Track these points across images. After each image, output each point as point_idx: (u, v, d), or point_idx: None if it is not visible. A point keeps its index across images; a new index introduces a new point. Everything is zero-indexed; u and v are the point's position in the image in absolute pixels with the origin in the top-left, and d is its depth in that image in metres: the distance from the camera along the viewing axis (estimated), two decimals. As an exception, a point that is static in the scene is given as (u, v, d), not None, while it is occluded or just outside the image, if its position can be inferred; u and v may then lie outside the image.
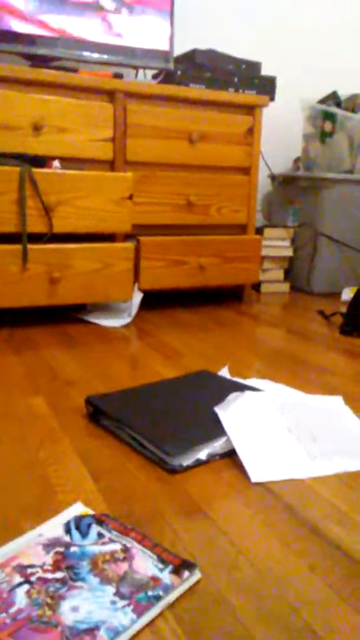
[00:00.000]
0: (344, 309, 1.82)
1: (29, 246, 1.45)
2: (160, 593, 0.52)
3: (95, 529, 0.61)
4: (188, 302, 1.92)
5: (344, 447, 0.84)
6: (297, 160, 2.33)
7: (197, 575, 0.55)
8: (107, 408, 0.91)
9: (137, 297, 1.66)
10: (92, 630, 0.47)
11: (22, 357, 1.26)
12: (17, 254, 1.44)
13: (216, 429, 0.85)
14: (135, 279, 1.68)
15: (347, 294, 1.94)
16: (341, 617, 0.51)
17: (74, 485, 0.73)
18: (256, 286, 2.14)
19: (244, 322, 1.67)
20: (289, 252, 2.13)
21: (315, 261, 2.11)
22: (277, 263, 2.14)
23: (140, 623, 0.49)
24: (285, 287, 2.18)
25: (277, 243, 2.10)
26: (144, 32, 1.72)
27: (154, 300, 1.92)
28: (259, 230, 2.06)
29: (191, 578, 0.55)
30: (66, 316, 1.66)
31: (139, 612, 0.49)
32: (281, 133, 2.40)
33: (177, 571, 0.55)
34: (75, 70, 1.62)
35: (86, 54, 1.67)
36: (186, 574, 0.54)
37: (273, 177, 2.28)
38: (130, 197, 1.57)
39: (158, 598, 0.51)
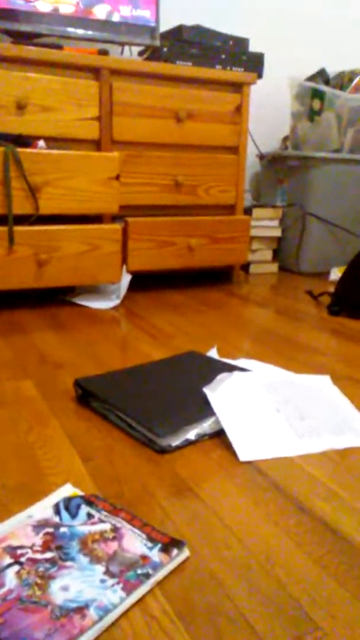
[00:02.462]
0: (332, 289, 1.82)
1: (15, 228, 1.43)
2: (150, 571, 0.52)
3: (84, 509, 0.61)
4: (177, 284, 1.91)
5: (331, 425, 0.85)
6: (285, 139, 2.31)
7: (185, 553, 0.56)
8: (96, 390, 0.91)
9: (126, 278, 1.65)
10: (81, 608, 0.47)
11: (10, 341, 1.25)
12: (3, 235, 1.42)
13: (205, 409, 0.85)
14: (124, 260, 1.67)
15: (335, 274, 1.95)
16: (327, 591, 0.52)
17: (63, 467, 0.73)
18: (245, 267, 2.14)
19: (232, 302, 1.67)
20: (277, 233, 2.12)
21: (304, 241, 2.11)
22: (265, 243, 2.13)
23: (130, 601, 0.49)
24: (274, 267, 2.17)
25: (266, 223, 2.09)
26: (129, 7, 1.68)
27: (142, 282, 1.91)
28: (248, 211, 2.05)
29: (180, 556, 0.55)
30: (54, 299, 1.65)
31: (128, 590, 0.50)
32: (269, 111, 2.38)
33: (166, 549, 0.55)
34: (59, 47, 1.59)
35: (71, 30, 1.63)
36: (175, 551, 0.55)
37: (261, 157, 2.26)
38: (117, 178, 1.55)
39: (147, 576, 0.52)
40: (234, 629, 0.48)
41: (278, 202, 2.20)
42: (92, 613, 0.47)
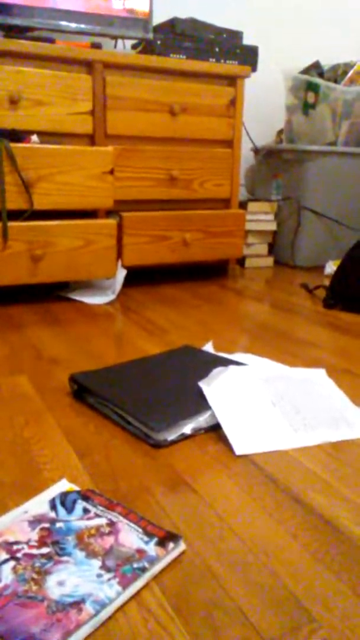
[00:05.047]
0: (327, 283, 1.83)
1: (9, 223, 1.42)
2: (146, 565, 0.52)
3: (80, 504, 0.61)
4: (172, 278, 1.91)
5: (326, 418, 0.85)
6: (280, 132, 2.31)
7: (181, 546, 0.56)
8: (91, 385, 0.91)
9: (121, 273, 1.64)
10: (78, 603, 0.47)
11: (5, 336, 1.25)
12: (-3, 231, 1.41)
13: (200, 403, 0.85)
14: (119, 255, 1.67)
15: (331, 267, 1.95)
16: (323, 583, 0.52)
17: (59, 462, 0.73)
18: (240, 261, 2.14)
19: (228, 297, 1.67)
20: (272, 226, 2.12)
21: (299, 235, 2.11)
22: (261, 237, 2.13)
23: (126, 595, 0.49)
24: (269, 261, 2.17)
25: (261, 217, 2.09)
26: (122, 0, 1.67)
27: (137, 277, 1.90)
28: (243, 204, 2.05)
29: (176, 549, 0.55)
30: (49, 294, 1.65)
31: (125, 584, 0.50)
32: (264, 105, 2.37)
33: (162, 543, 0.55)
34: (52, 41, 1.57)
35: (63, 23, 1.62)
36: (171, 545, 0.55)
37: (256, 150, 2.26)
38: (111, 172, 1.54)
39: (143, 570, 0.52)
40: (230, 621, 0.48)
41: (273, 196, 2.19)
42: (88, 607, 0.47)
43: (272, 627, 0.47)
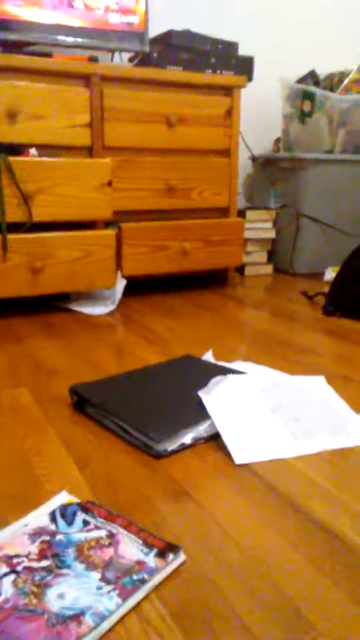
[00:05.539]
0: (326, 289, 1.83)
1: (9, 236, 1.43)
2: (145, 576, 0.53)
3: (80, 516, 0.62)
4: (172, 287, 1.92)
5: (326, 425, 0.85)
6: (277, 141, 2.32)
7: (181, 557, 0.56)
8: (91, 396, 0.91)
9: (121, 284, 1.65)
10: (77, 616, 0.48)
11: (5, 348, 1.26)
12: (-3, 244, 1.42)
13: (200, 413, 0.86)
14: (118, 265, 1.68)
15: (330, 274, 1.96)
16: (323, 592, 0.52)
17: (59, 474, 0.74)
18: (240, 269, 2.15)
19: (228, 305, 1.68)
20: (271, 234, 2.13)
21: (298, 242, 2.11)
22: (260, 245, 2.14)
23: (126, 607, 0.50)
24: (269, 269, 2.18)
25: (260, 225, 2.10)
26: (118, 13, 1.69)
27: (137, 287, 1.91)
28: (241, 213, 2.06)
29: (176, 560, 0.55)
30: (49, 305, 1.65)
31: (124, 596, 0.50)
32: (261, 114, 2.39)
33: (161, 554, 0.55)
34: (49, 55, 1.59)
35: (60, 37, 1.64)
36: (171, 556, 0.55)
37: (254, 159, 2.27)
38: (110, 184, 1.55)
39: (143, 581, 0.52)
40: (230, 632, 0.48)
41: (271, 204, 2.20)
42: (88, 620, 0.47)
43: (272, 637, 0.47)
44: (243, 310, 1.62)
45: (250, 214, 2.07)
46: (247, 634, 0.48)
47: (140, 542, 0.57)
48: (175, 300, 1.74)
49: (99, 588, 0.51)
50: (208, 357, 1.16)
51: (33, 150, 1.51)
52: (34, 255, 1.47)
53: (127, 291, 1.83)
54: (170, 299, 1.76)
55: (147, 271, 1.73)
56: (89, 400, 0.90)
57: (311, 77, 2.10)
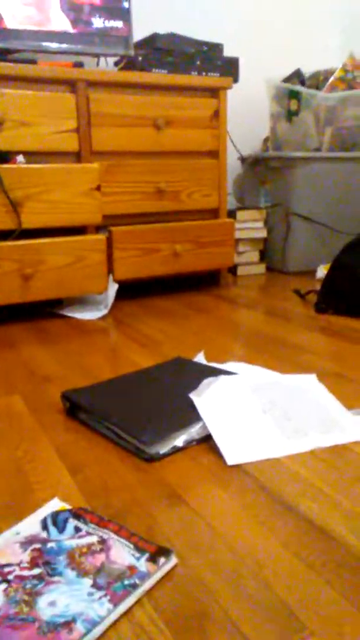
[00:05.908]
0: (319, 287, 1.83)
1: (-1, 244, 1.43)
2: (137, 581, 0.53)
3: (72, 523, 0.62)
4: (164, 290, 1.92)
5: (318, 423, 0.85)
6: (266, 140, 2.33)
7: (173, 561, 0.56)
8: (83, 402, 0.91)
9: (112, 288, 1.65)
10: (68, 623, 0.48)
11: (-2, 356, 1.26)
12: (-13, 252, 1.42)
13: (192, 415, 0.86)
14: (110, 270, 1.68)
15: (322, 272, 1.96)
16: (314, 591, 0.53)
17: (51, 481, 0.73)
18: (232, 269, 2.15)
19: (220, 306, 1.68)
20: (263, 234, 2.13)
21: (289, 241, 2.12)
22: (252, 245, 2.14)
23: (117, 612, 0.50)
24: (261, 268, 2.18)
25: (251, 225, 2.10)
26: (102, 18, 1.69)
27: (129, 290, 1.91)
28: (232, 213, 2.06)
29: (167, 564, 0.55)
30: (42, 312, 1.65)
31: (116, 601, 0.50)
32: (248, 114, 2.39)
33: (153, 558, 0.55)
34: (34, 62, 1.59)
35: (45, 44, 1.64)
36: (162, 560, 0.55)
37: (243, 159, 2.27)
38: (98, 188, 1.55)
39: (134, 586, 0.52)
40: (222, 634, 0.48)
41: (262, 204, 2.21)
42: (79, 627, 0.47)
43: (263, 637, 0.47)
44: (236, 310, 1.63)
45: (241, 214, 2.07)
46: (239, 635, 0.48)
47: (132, 546, 0.57)
48: (167, 302, 1.74)
49: (91, 594, 0.51)
50: (200, 358, 1.16)
51: (20, 157, 1.51)
52: (24, 262, 1.47)
53: (120, 295, 1.83)
54: (163, 301, 1.76)
55: (139, 274, 1.73)
56: (81, 406, 0.90)
57: (297, 76, 2.10)
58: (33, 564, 0.55)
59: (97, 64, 1.99)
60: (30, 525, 0.62)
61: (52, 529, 0.61)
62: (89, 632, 0.47)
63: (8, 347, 1.32)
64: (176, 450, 0.80)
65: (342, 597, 0.52)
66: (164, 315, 1.58)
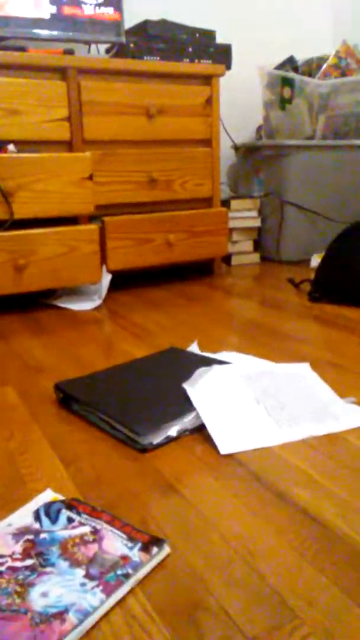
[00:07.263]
0: (312, 276, 1.83)
1: (-10, 234, 1.42)
2: (129, 571, 0.53)
3: (65, 514, 0.61)
4: (158, 280, 1.91)
5: (311, 412, 0.85)
6: (259, 129, 2.31)
7: (166, 550, 0.56)
8: (76, 393, 0.91)
9: (106, 278, 1.64)
10: (61, 613, 0.47)
11: (-9, 348, 1.25)
12: (-22, 243, 1.41)
13: (185, 405, 0.86)
14: (103, 260, 1.67)
15: (316, 260, 1.96)
16: (306, 579, 0.53)
17: (44, 472, 0.73)
18: (227, 259, 2.14)
19: (215, 296, 1.67)
20: (257, 223, 2.13)
21: (283, 230, 2.11)
22: (246, 234, 2.13)
23: (110, 602, 0.50)
24: (255, 257, 2.18)
25: (245, 214, 2.09)
26: (93, 5, 1.66)
27: (123, 281, 1.90)
28: (226, 202, 2.05)
29: (160, 554, 0.55)
30: (35, 302, 1.64)
31: (108, 591, 0.50)
32: (241, 102, 2.37)
33: (145, 548, 0.55)
34: (24, 49, 1.57)
35: (35, 31, 1.61)
36: (155, 550, 0.55)
37: (236, 148, 2.26)
38: (91, 178, 1.54)
39: (127, 576, 0.52)
40: (214, 622, 0.48)
41: (255, 193, 2.20)
42: (71, 617, 0.47)
43: (255, 626, 0.47)
44: (230, 300, 1.62)
45: (235, 203, 2.06)
46: (230, 623, 0.48)
47: (125, 536, 0.57)
48: (161, 292, 1.73)
49: (83, 585, 0.51)
50: (193, 348, 1.15)
51: (11, 147, 1.49)
52: (16, 252, 1.46)
53: (113, 285, 1.82)
54: (157, 291, 1.75)
55: (133, 264, 1.73)
56: (74, 397, 0.90)
57: (290, 63, 2.08)
58: (25, 555, 0.55)
59: (88, 51, 1.96)
60: (22, 516, 0.62)
61: (45, 520, 0.60)
62: (81, 622, 0.47)
63: (1, 338, 1.32)
64: (169, 440, 0.80)
65: (334, 585, 0.52)
66: (157, 305, 1.57)
